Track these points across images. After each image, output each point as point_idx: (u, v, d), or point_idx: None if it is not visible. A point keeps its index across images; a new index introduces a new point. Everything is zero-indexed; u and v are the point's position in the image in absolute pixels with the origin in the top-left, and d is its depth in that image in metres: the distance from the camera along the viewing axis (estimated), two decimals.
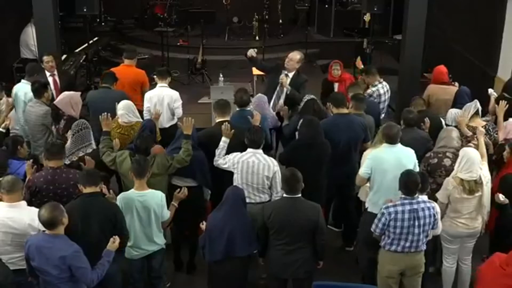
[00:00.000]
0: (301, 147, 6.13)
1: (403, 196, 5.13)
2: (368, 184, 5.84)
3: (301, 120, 6.35)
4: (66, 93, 7.00)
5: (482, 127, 6.57)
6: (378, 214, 5.22)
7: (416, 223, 5.08)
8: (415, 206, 5.09)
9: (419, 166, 5.84)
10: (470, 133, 6.41)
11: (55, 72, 8.02)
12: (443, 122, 7.03)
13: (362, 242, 6.00)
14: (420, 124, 6.59)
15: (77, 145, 5.93)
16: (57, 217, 4.45)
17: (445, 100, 7.66)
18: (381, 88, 7.89)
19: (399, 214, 5.07)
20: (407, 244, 5.15)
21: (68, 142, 5.97)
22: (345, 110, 6.58)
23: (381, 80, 7.98)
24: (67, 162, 5.79)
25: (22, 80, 7.57)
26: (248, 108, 6.79)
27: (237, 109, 6.77)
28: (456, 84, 8.07)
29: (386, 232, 5.18)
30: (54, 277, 4.49)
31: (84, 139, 5.96)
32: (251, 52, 7.94)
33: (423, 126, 6.62)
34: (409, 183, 5.08)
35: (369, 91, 7.84)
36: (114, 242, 4.82)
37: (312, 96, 7.15)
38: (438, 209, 5.36)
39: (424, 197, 5.32)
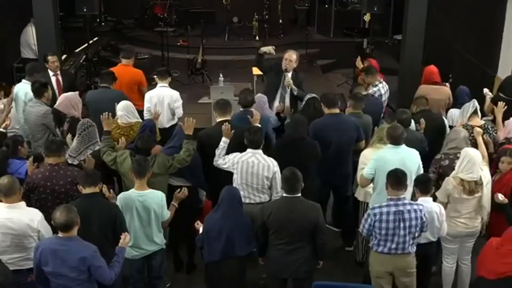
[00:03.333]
0: (286, 146, 6.10)
1: (389, 197, 5.10)
2: (371, 185, 5.82)
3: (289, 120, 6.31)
4: (64, 95, 7.02)
5: (480, 126, 6.57)
6: (365, 215, 5.22)
7: (402, 225, 5.04)
8: (400, 208, 5.04)
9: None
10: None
11: (58, 72, 8.03)
12: (446, 122, 7.03)
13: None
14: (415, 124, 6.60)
15: (84, 144, 5.92)
16: (73, 219, 4.40)
17: (437, 100, 7.60)
18: (382, 88, 7.89)
19: (383, 215, 5.04)
20: (393, 246, 5.11)
21: (74, 142, 5.96)
22: (336, 110, 6.54)
23: (381, 80, 7.98)
24: (76, 162, 5.80)
25: (23, 80, 7.57)
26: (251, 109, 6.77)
27: (241, 109, 6.76)
28: (447, 84, 8.05)
29: (373, 233, 5.16)
30: (71, 279, 4.44)
31: (91, 137, 5.97)
32: (270, 49, 7.90)
33: (418, 127, 6.62)
34: (396, 179, 5.03)
35: (370, 91, 7.82)
36: (125, 239, 4.81)
37: (313, 95, 7.17)
38: (443, 211, 5.36)
39: (429, 199, 5.32)
